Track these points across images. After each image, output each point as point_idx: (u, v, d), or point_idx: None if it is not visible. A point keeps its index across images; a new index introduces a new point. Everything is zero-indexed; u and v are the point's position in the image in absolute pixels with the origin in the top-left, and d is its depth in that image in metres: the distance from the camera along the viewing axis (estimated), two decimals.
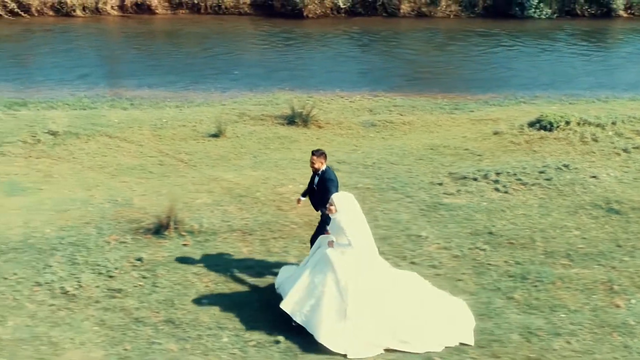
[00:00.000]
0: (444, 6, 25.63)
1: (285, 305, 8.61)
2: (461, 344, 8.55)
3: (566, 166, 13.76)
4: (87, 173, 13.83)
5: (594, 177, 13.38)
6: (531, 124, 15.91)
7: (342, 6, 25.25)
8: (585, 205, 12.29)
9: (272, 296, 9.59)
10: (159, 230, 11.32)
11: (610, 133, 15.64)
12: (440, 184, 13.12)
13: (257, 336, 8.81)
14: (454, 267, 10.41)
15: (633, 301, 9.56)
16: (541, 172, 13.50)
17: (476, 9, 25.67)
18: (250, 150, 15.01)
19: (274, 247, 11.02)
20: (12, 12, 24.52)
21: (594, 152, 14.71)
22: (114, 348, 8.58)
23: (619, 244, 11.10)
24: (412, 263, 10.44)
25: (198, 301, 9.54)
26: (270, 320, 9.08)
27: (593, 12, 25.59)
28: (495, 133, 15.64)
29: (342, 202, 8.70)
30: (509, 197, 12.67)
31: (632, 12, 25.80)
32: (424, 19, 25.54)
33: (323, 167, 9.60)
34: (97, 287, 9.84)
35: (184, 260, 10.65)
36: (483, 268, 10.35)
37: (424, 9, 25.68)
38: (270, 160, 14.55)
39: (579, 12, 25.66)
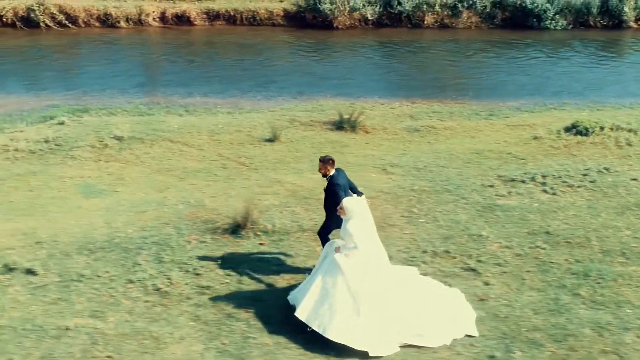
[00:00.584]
0: (466, 18, 25.44)
1: (300, 314, 8.52)
2: (467, 335, 8.57)
3: (607, 169, 13.67)
4: (155, 176, 13.67)
5: (634, 179, 13.26)
6: (567, 129, 15.68)
7: (369, 18, 25.08)
8: (631, 207, 12.19)
9: None
10: (235, 230, 11.29)
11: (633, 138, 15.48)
12: (492, 186, 12.97)
13: None
14: (518, 265, 10.31)
15: None
16: (585, 175, 13.35)
17: (495, 20, 25.45)
18: (305, 155, 14.69)
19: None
20: (60, 24, 24.40)
21: (630, 156, 14.55)
22: (212, 342, 8.60)
23: None
24: (479, 261, 10.34)
25: (283, 298, 9.51)
26: None
27: (605, 23, 25.33)
28: (535, 138, 15.42)
29: (352, 207, 8.68)
30: (557, 199, 12.51)
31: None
32: (447, 30, 25.32)
33: (331, 172, 9.56)
34: (187, 284, 9.82)
35: (263, 258, 10.65)
36: (546, 266, 10.25)
37: (446, 21, 25.48)
38: (311, 164, 14.23)
39: (592, 23, 25.36)
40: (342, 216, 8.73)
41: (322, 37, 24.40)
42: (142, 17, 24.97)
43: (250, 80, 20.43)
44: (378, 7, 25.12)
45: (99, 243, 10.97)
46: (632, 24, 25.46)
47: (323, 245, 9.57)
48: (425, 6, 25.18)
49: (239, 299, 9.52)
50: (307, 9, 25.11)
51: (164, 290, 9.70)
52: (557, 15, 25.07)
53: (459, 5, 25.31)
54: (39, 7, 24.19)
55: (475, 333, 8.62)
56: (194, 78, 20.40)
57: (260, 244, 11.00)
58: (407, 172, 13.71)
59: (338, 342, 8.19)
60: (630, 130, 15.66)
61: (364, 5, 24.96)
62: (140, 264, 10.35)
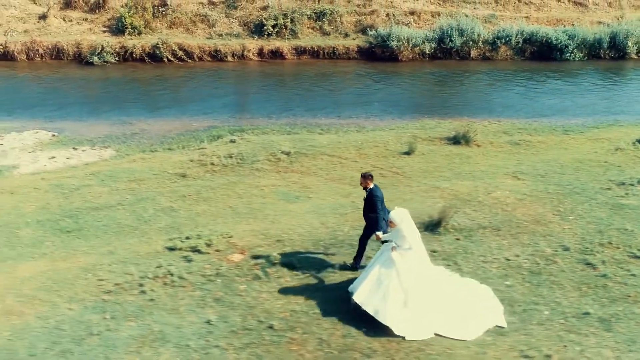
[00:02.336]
0: (502, 51, 25.59)
1: (357, 297, 8.42)
2: (497, 326, 8.38)
3: None
4: (332, 184, 13.53)
5: None
6: (639, 142, 15.79)
7: (427, 52, 25.10)
8: None
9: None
10: (431, 227, 11.16)
11: None
12: (609, 189, 12.95)
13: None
14: None
15: None
16: None
17: (525, 53, 25.60)
18: (441, 165, 14.46)
19: (524, 239, 10.93)
20: (179, 59, 24.20)
21: None
22: None
23: None
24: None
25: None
26: None
27: (612, 55, 25.59)
28: (617, 149, 15.27)
29: (400, 217, 8.57)
30: None
31: None
32: (487, 61, 25.37)
33: (370, 186, 9.40)
34: None
35: (468, 251, 10.51)
36: None
37: (487, 54, 25.62)
38: (464, 172, 14.05)
39: (602, 55, 25.62)
40: (391, 227, 8.67)
41: (391, 68, 24.25)
42: (245, 52, 24.76)
43: (351, 104, 20.03)
44: (434, 43, 25.05)
45: (327, 240, 10.96)
46: (633, 55, 25.64)
47: (360, 248, 9.66)
48: (471, 42, 25.19)
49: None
50: (377, 45, 25.02)
51: None
52: (575, 49, 25.12)
53: (498, 41, 25.36)
54: (162, 45, 23.95)
55: (504, 324, 8.42)
56: (300, 103, 19.92)
57: (457, 239, 10.98)
58: (534, 178, 13.62)
59: (385, 324, 8.18)
60: None
61: (423, 42, 24.90)
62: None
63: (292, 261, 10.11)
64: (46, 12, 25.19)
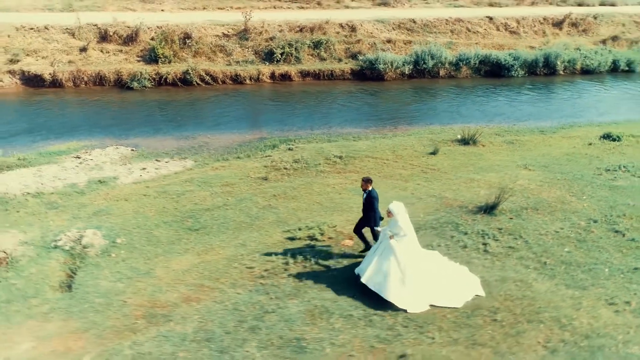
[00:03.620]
0: (464, 71, 26.49)
1: (363, 278, 8.56)
2: (476, 295, 8.56)
3: None
4: (386, 180, 13.39)
5: None
6: (605, 137, 16.50)
7: (406, 72, 25.68)
8: None
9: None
10: (488, 210, 11.45)
11: None
12: (600, 174, 13.61)
13: None
14: None
15: None
16: None
17: (481, 72, 26.59)
18: (463, 161, 14.63)
19: (559, 216, 11.37)
20: (205, 82, 23.70)
21: None
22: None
23: None
24: None
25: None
26: None
27: (546, 72, 26.96)
28: (590, 144, 16.14)
29: (397, 209, 8.59)
30: None
31: (572, 71, 27.46)
32: (453, 79, 26.07)
33: (369, 188, 9.35)
34: (502, 244, 10.29)
35: (524, 227, 10.82)
36: None
37: (452, 73, 26.43)
38: (484, 166, 14.29)
39: (538, 72, 26.96)
40: (389, 218, 8.69)
41: (379, 87, 24.47)
42: (260, 76, 24.56)
43: (362, 116, 20.03)
44: (411, 65, 25.67)
45: (419, 224, 11.01)
46: (561, 72, 27.10)
47: (361, 239, 9.68)
48: (440, 64, 25.97)
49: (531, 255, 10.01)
50: (366, 67, 25.37)
51: (487, 249, 10.08)
52: (518, 68, 26.33)
53: (460, 63, 26.27)
54: (192, 71, 23.42)
55: (483, 293, 8.57)
56: (321, 117, 19.57)
57: (510, 218, 11.38)
58: (541, 169, 14.17)
59: (388, 300, 8.29)
60: (637, 136, 16.78)
61: (403, 64, 25.49)
62: (453, 236, 10.59)
63: None
64: (86, 45, 24.08)
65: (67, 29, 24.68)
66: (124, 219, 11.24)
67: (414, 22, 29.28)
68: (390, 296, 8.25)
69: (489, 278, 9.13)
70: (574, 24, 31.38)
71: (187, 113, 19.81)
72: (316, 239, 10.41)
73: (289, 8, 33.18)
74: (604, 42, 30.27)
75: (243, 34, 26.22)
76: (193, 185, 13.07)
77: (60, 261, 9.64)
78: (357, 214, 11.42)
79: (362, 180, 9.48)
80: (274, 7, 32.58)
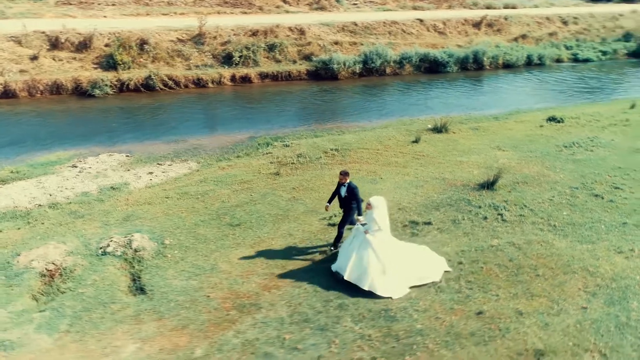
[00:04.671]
0: (407, 68, 27.91)
1: (346, 276, 8.54)
2: (445, 271, 9.02)
3: (595, 138, 16.44)
4: (386, 168, 13.92)
5: (612, 139, 16.42)
6: (550, 120, 18.36)
7: (357, 71, 26.57)
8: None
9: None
10: (488, 186, 12.41)
11: (583, 120, 18.71)
12: (561, 150, 15.13)
13: None
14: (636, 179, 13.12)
15: None
16: (592, 140, 16.01)
17: (421, 69, 28.18)
18: (445, 147, 15.44)
19: (546, 187, 12.63)
20: (168, 86, 22.96)
21: (595, 129, 17.44)
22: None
23: None
24: (621, 185, 12.99)
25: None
26: None
27: (475, 67, 29.15)
28: (541, 126, 17.87)
29: (377, 202, 8.65)
30: (595, 153, 15.03)
31: (496, 65, 29.87)
32: (397, 76, 27.36)
33: (348, 181, 9.28)
34: (506, 214, 11.37)
35: (523, 198, 11.97)
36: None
37: (397, 71, 27.75)
38: (464, 149, 15.21)
39: (468, 67, 29.09)
40: (368, 210, 8.67)
41: (335, 85, 24.99)
42: (221, 79, 24.25)
43: (332, 112, 20.41)
44: (361, 64, 26.65)
45: (433, 203, 11.82)
46: (487, 67, 29.46)
47: (339, 234, 9.49)
48: (386, 62, 27.20)
49: (540, 220, 11.22)
50: (321, 68, 25.94)
51: (504, 218, 11.11)
52: (452, 64, 28.28)
53: (403, 61, 27.69)
54: (155, 76, 22.61)
55: (450, 269, 9.05)
56: (294, 115, 19.68)
57: (509, 192, 12.49)
58: (512, 149, 15.45)
59: (371, 291, 8.38)
60: (575, 117, 18.91)
61: (354, 63, 26.38)
62: (471, 210, 11.45)
63: (429, 219, 10.98)
64: (37, 54, 22.32)
65: (12, 37, 22.66)
66: (158, 222, 10.89)
67: (356, 24, 30.27)
68: (374, 287, 8.32)
69: (518, 242, 10.11)
70: (489, 25, 34.15)
71: (165, 117, 19.14)
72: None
73: (232, 13, 32.84)
74: (515, 39, 33.29)
75: (198, 39, 25.66)
76: (210, 185, 12.87)
77: (117, 267, 9.22)
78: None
79: (340, 173, 9.28)
80: (218, 13, 32.07)
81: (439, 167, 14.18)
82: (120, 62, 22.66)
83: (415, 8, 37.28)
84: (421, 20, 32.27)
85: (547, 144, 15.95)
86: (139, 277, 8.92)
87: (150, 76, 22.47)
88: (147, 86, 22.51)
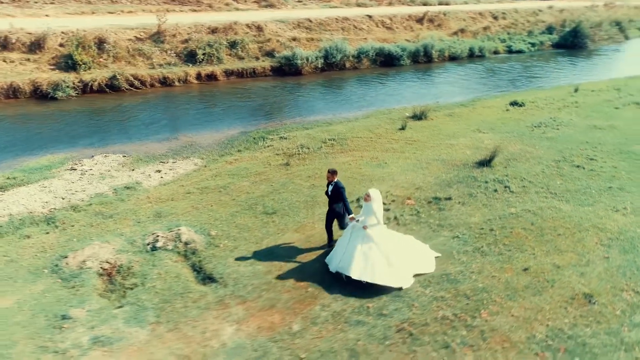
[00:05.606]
0: (364, 62, 29.01)
1: (353, 274, 8.32)
2: (436, 257, 9.27)
3: (556, 118, 18.27)
4: (386, 153, 14.64)
5: (571, 119, 18.45)
6: (512, 104, 20.16)
7: (319, 66, 27.27)
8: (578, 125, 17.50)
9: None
10: (485, 164, 13.62)
11: (540, 103, 20.65)
12: (533, 130, 16.74)
13: None
14: (606, 152, 14.96)
15: None
16: (554, 120, 17.71)
17: (377, 63, 29.44)
18: (430, 132, 16.43)
19: (533, 162, 14.01)
20: (134, 86, 22.36)
21: (553, 111, 19.49)
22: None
23: None
24: (593, 158, 14.74)
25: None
26: None
27: (425, 60, 30.86)
28: (507, 110, 19.61)
29: (375, 194, 8.53)
30: (561, 131, 16.65)
31: (443, 58, 31.69)
32: (356, 70, 28.33)
33: (335, 179, 9.10)
34: (500, 186, 12.63)
35: (519, 171, 13.20)
36: (596, 144, 15.06)
37: (356, 65, 28.72)
38: (449, 134, 16.28)
39: (419, 60, 30.74)
40: (365, 202, 8.55)
41: (299, 80, 25.39)
42: (188, 78, 23.96)
43: (311, 105, 20.81)
44: (322, 59, 27.40)
45: (442, 182, 12.75)
46: (436, 59, 31.33)
47: (329, 233, 9.48)
48: (345, 57, 28.16)
49: (542, 189, 12.61)
50: (285, 64, 26.37)
51: (511, 190, 12.34)
52: (405, 58, 29.83)
53: (361, 55, 28.79)
54: (119, 76, 21.92)
55: (439, 254, 9.32)
56: (276, 109, 19.99)
57: (505, 167, 13.74)
58: (490, 131, 16.82)
59: (383, 284, 8.29)
60: (532, 101, 20.85)
61: (316, 59, 27.08)
62: (480, 185, 12.56)
63: (449, 195, 11.93)
64: None
65: None
66: (192, 216, 10.95)
67: (310, 21, 30.96)
68: (384, 280, 8.27)
69: (531, 208, 11.35)
70: (431, 20, 36.24)
71: (144, 117, 18.71)
72: (384, 204, 11.44)
73: (181, 11, 32.28)
74: (455, 33, 35.62)
75: (157, 37, 25.11)
76: (226, 179, 13.01)
77: (173, 260, 9.26)
78: (388, 183, 12.83)
79: (328, 172, 9.05)
80: (167, 10, 31.33)
81: (434, 150, 15.19)
82: (81, 63, 21.71)
83: (359, 5, 38.62)
84: (370, 17, 33.57)
85: (519, 125, 17.53)
86: (201, 268, 9.03)
87: (115, 76, 21.71)
88: (112, 86, 21.77)
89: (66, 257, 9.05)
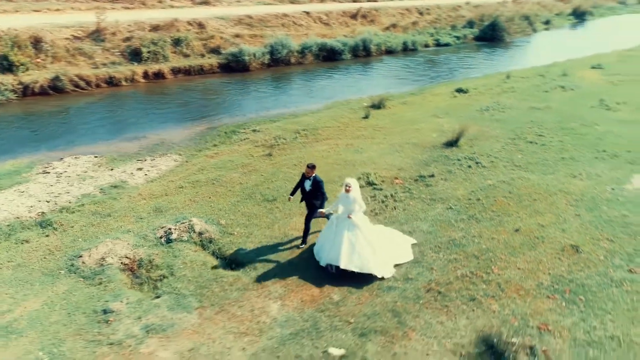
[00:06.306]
0: (308, 57, 29.68)
1: (342, 265, 8.28)
2: (413, 244, 9.41)
3: (499, 102, 19.99)
4: (359, 140, 15.32)
5: (512, 102, 20.34)
6: (458, 91, 21.74)
7: (266, 62, 27.58)
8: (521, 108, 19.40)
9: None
10: (450, 144, 14.74)
11: (481, 90, 22.39)
12: (482, 113, 18.44)
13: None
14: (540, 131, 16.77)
15: None
16: (499, 104, 19.76)
17: (320, 57, 30.20)
18: (392, 119, 17.34)
19: (495, 140, 15.58)
20: (79, 87, 21.41)
21: (494, 96, 21.35)
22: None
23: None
24: (541, 135, 16.50)
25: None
26: None
27: (364, 54, 32.04)
28: (454, 97, 21.11)
29: (355, 183, 8.57)
30: (506, 114, 18.50)
31: (380, 51, 33.11)
32: (301, 65, 28.97)
33: (313, 174, 9.05)
34: (465, 160, 13.93)
35: (485, 148, 14.52)
36: (541, 126, 16.92)
37: (300, 60, 29.37)
38: (410, 120, 17.33)
39: (359, 55, 31.79)
40: (346, 192, 8.50)
41: (249, 77, 25.54)
42: (134, 77, 23.31)
43: (272, 99, 21.11)
44: (268, 55, 27.73)
45: (421, 163, 13.74)
46: (374, 53, 32.68)
47: (306, 228, 9.25)
48: (290, 53, 28.67)
49: (507, 163, 14.03)
50: (233, 60, 26.40)
51: (483, 165, 13.62)
52: (347, 52, 30.90)
53: (305, 50, 29.45)
54: (63, 76, 20.90)
55: (415, 241, 9.50)
56: (235, 105, 20.06)
57: (470, 146, 15.00)
58: (446, 116, 18.10)
59: (372, 273, 8.32)
60: (474, 88, 22.59)
61: (263, 54, 27.35)
62: (454, 163, 13.67)
63: (432, 173, 12.91)
64: None
65: None
66: (194, 208, 11.02)
67: (251, 17, 31.10)
68: (371, 269, 8.29)
69: (505, 179, 12.62)
70: (364, 16, 37.69)
71: (102, 117, 18.12)
72: (374, 183, 12.23)
73: (113, 9, 31.08)
74: (388, 28, 37.32)
75: (97, 36, 24.10)
76: (214, 171, 13.10)
77: (192, 249, 9.37)
78: (371, 166, 13.55)
79: (308, 166, 8.95)
80: (97, 8, 30.04)
81: (402, 135, 16.17)
82: (18, 64, 20.35)
83: (292, 2, 39.17)
84: (308, 13, 34.29)
85: (469, 110, 19.05)
86: (224, 254, 9.22)
87: (58, 77, 20.65)
88: (55, 88, 20.70)
89: (80, 257, 8.84)
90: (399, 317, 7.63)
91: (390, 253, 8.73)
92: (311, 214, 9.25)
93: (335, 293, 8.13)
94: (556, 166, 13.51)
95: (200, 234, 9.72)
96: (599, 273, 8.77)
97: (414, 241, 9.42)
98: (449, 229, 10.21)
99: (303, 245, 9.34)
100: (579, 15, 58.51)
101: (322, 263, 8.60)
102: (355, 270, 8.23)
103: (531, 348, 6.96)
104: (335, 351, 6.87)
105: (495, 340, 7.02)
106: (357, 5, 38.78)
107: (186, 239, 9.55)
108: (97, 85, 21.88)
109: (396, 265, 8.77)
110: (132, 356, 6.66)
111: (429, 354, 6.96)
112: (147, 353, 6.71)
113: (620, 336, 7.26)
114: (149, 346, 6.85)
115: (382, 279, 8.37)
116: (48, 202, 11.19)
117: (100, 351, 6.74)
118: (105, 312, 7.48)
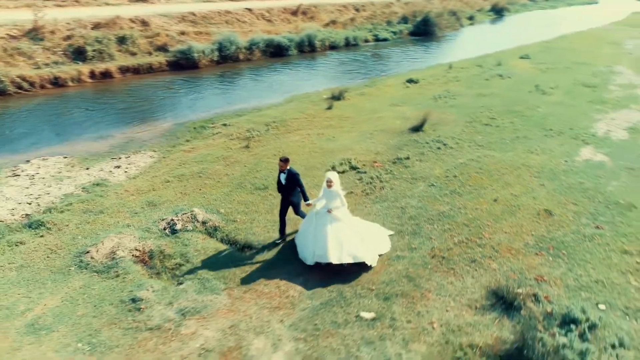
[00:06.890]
0: (256, 53, 29.75)
1: (332, 260, 8.08)
2: (389, 235, 9.52)
3: (449, 90, 21.47)
4: (328, 129, 15.90)
5: (460, 90, 21.78)
6: (409, 81, 22.89)
7: (215, 59, 27.42)
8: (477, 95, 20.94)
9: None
10: (416, 130, 15.78)
11: (429, 80, 23.72)
12: (437, 101, 19.80)
13: None
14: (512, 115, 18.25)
15: None
16: (449, 92, 21.22)
17: (267, 53, 30.35)
18: (354, 109, 18.00)
19: (458, 125, 16.89)
20: (21, 88, 20.29)
21: (443, 85, 22.75)
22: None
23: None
24: (493, 118, 17.93)
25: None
26: None
27: (309, 50, 32.61)
28: (407, 87, 22.19)
29: (335, 178, 8.43)
30: (457, 101, 20.04)
31: (324, 47, 33.86)
32: (250, 61, 28.97)
33: (287, 167, 8.77)
34: (433, 143, 15.01)
35: (451, 133, 15.68)
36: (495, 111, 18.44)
37: (248, 56, 29.36)
38: (373, 109, 18.09)
39: (305, 50, 32.40)
40: (328, 187, 8.39)
41: (199, 74, 25.23)
42: (81, 77, 22.43)
43: (230, 95, 21.09)
44: (217, 52, 27.61)
45: (392, 147, 14.58)
46: (319, 49, 33.27)
47: (282, 223, 9.10)
48: (238, 49, 28.69)
49: (472, 144, 15.26)
50: (182, 58, 26.05)
51: (450, 146, 14.74)
52: (293, 48, 31.36)
53: (253, 47, 29.57)
54: (4, 77, 19.78)
55: (392, 232, 9.63)
56: (198, 103, 19.96)
57: (434, 130, 16.04)
58: (404, 104, 19.17)
59: (363, 261, 8.27)
60: (423, 78, 23.90)
61: (212, 51, 27.20)
62: (424, 145, 14.66)
63: (407, 155, 13.76)
64: None
65: None
66: (188, 200, 11.10)
67: (194, 15, 30.74)
68: (363, 257, 8.25)
69: (473, 157, 13.74)
70: (304, 13, 38.30)
71: (59, 117, 17.36)
72: (356, 167, 12.87)
73: (45, 6, 29.47)
74: (327, 25, 38.17)
75: (34, 34, 22.90)
76: (196, 165, 13.16)
77: (200, 238, 9.52)
78: (348, 152, 14.23)
79: (280, 160, 8.66)
80: (28, 6, 28.47)
81: (368, 123, 16.96)
82: None
83: None
84: (250, 10, 34.34)
85: (423, 98, 20.23)
86: (233, 240, 9.45)
87: None
88: None
89: (87, 252, 8.72)
90: (414, 282, 8.30)
91: (375, 243, 8.79)
92: (286, 206, 8.96)
93: (351, 266, 8.64)
94: (513, 144, 14.83)
95: (204, 222, 9.86)
96: (573, 231, 9.96)
97: (391, 232, 9.55)
98: (436, 203, 11.04)
99: (280, 241, 9.09)
100: (498, 12, 62.81)
101: (309, 262, 8.31)
102: (351, 261, 8.08)
103: (535, 295, 7.87)
104: (367, 315, 7.40)
105: (504, 292, 7.86)
106: (296, 2, 39.28)
107: (191, 229, 9.65)
108: (42, 87, 20.84)
109: (380, 256, 8.75)
110: (175, 337, 6.80)
111: (448, 310, 7.68)
112: (189, 333, 6.87)
113: (603, 280, 8.39)
114: (189, 327, 7.01)
115: (371, 267, 8.31)
116: (29, 203, 10.78)
117: (142, 336, 6.82)
118: (134, 300, 7.51)
